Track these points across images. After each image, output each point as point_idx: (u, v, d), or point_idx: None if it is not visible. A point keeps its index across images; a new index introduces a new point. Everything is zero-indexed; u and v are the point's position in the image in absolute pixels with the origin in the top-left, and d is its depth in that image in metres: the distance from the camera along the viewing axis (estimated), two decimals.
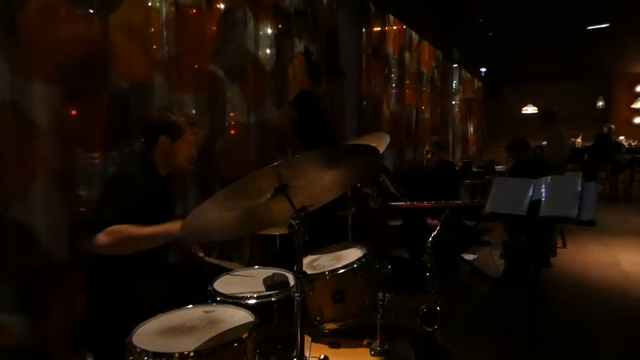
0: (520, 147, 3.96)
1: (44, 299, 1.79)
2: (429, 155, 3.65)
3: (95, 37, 1.97)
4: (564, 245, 4.40)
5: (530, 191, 2.31)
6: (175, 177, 2.31)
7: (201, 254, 1.84)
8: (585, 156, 7.68)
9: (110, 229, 1.44)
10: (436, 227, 2.12)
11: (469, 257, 3.85)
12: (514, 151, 4.03)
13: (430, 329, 1.80)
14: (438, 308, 1.83)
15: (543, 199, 2.22)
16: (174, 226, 1.46)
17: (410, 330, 1.88)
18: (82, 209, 1.96)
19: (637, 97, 10.64)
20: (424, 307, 1.84)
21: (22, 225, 1.71)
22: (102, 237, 1.43)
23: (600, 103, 10.80)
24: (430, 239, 2.02)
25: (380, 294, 1.65)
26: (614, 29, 6.42)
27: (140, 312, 1.29)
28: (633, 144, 9.13)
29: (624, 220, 5.83)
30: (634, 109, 10.70)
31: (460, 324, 2.21)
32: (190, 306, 1.37)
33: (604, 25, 6.24)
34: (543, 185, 2.30)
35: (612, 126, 8.39)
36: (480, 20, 5.94)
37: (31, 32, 1.70)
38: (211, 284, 1.61)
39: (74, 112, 1.93)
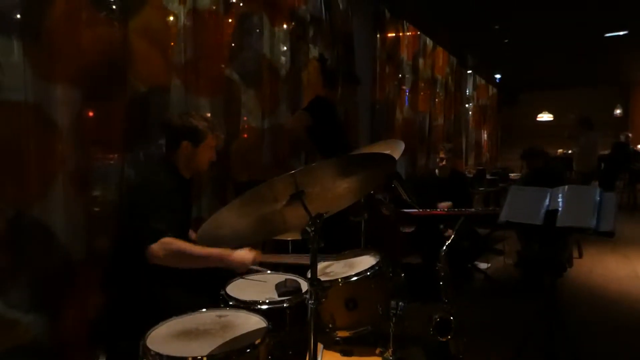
0: (535, 156, 3.90)
1: (61, 297, 1.82)
2: (443, 163, 3.60)
3: (115, 41, 2.00)
4: (580, 256, 4.31)
5: (547, 200, 2.27)
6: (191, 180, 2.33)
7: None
8: (602, 165, 7.54)
9: (164, 240, 1.47)
10: (451, 237, 2.09)
11: (482, 265, 3.79)
12: (529, 160, 3.97)
13: (444, 339, 1.78)
14: (452, 318, 1.80)
15: (560, 209, 2.18)
16: (227, 253, 1.54)
17: (424, 339, 1.86)
18: (99, 209, 1.99)
19: None
20: (437, 316, 1.82)
21: (42, 225, 1.74)
22: (156, 248, 1.47)
23: (618, 111, 10.59)
24: (444, 247, 2.00)
25: (393, 302, 1.63)
26: (632, 36, 6.30)
27: (155, 314, 1.30)
28: None
29: None
30: None
31: (474, 334, 2.17)
32: (204, 310, 1.37)
33: (622, 33, 6.14)
34: (560, 195, 2.26)
35: (630, 134, 8.22)
36: (496, 27, 5.89)
37: (54, 36, 1.74)
38: (224, 288, 1.61)
39: (93, 114, 1.96)
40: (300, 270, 1.71)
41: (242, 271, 1.65)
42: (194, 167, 1.75)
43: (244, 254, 1.61)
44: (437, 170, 3.70)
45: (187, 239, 1.72)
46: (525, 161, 4.07)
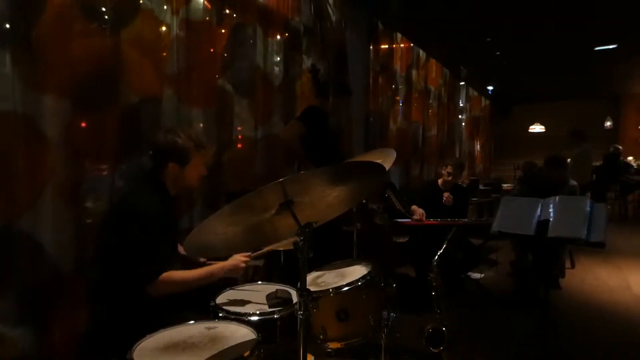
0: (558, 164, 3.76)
1: (49, 311, 1.78)
2: (450, 178, 3.60)
3: (107, 51, 2.01)
4: (573, 266, 4.32)
5: (539, 211, 2.29)
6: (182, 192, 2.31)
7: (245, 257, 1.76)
8: (594, 176, 7.62)
9: (161, 279, 1.49)
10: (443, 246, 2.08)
11: (475, 276, 3.79)
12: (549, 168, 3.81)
13: (436, 350, 1.76)
14: (444, 329, 1.79)
15: (551, 219, 2.20)
16: (216, 268, 1.59)
17: (416, 351, 1.84)
18: (90, 221, 1.97)
19: None
20: (429, 327, 1.80)
21: (30, 237, 1.72)
22: (154, 290, 1.50)
23: (608, 123, 10.74)
24: (436, 257, 1.99)
25: (385, 313, 1.62)
26: (622, 50, 6.43)
27: (143, 326, 1.28)
28: None
29: (633, 242, 5.72)
30: None
31: (467, 345, 2.16)
32: (192, 322, 1.35)
33: (612, 46, 6.26)
34: (551, 205, 2.27)
35: (620, 147, 8.32)
36: (488, 40, 5.98)
37: (44, 46, 1.74)
38: (214, 299, 1.59)
39: (84, 125, 1.95)
40: (291, 280, 1.70)
41: (240, 274, 1.66)
42: (184, 185, 1.71)
43: (233, 258, 1.62)
44: (440, 182, 3.70)
45: (176, 255, 1.73)
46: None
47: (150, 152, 1.76)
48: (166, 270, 1.52)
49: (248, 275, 2.10)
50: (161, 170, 1.67)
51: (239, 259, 1.62)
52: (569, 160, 5.63)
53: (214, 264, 1.77)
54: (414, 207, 3.33)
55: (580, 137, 5.68)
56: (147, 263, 1.49)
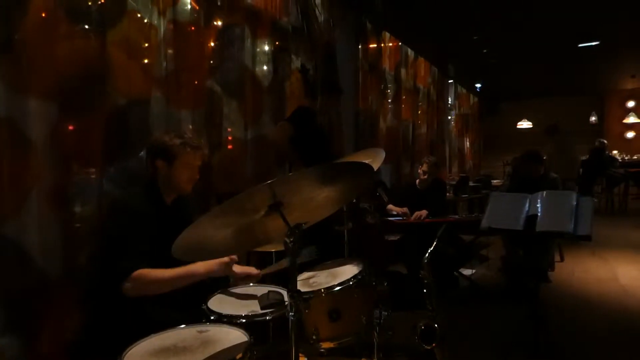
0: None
1: (37, 318, 1.76)
2: (425, 176, 3.62)
3: (92, 53, 1.98)
4: (562, 259, 4.39)
5: (527, 206, 2.32)
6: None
7: (256, 272, 1.77)
8: (580, 170, 7.74)
9: (134, 276, 1.45)
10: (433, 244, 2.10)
11: (467, 272, 3.82)
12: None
13: (429, 347, 1.77)
14: (436, 325, 1.80)
15: (539, 214, 2.23)
16: (196, 267, 1.52)
17: (409, 348, 1.85)
18: (78, 225, 1.94)
19: (629, 113, 10.80)
20: (421, 324, 1.81)
21: (15, 244, 1.69)
22: (128, 286, 1.45)
23: (593, 118, 10.94)
24: (426, 254, 2.00)
25: (377, 312, 1.62)
26: (604, 47, 6.55)
27: (133, 331, 1.27)
28: (626, 158, 9.22)
29: (620, 234, 5.83)
30: (625, 124, 10.85)
31: (459, 341, 2.18)
32: (183, 326, 1.34)
33: (594, 43, 6.37)
34: (539, 200, 2.31)
35: (605, 141, 8.47)
36: (475, 38, 6.04)
37: (28, 48, 1.71)
38: (205, 302, 1.58)
39: (70, 128, 1.93)
40: (283, 282, 1.70)
41: (226, 272, 1.62)
42: (174, 186, 1.68)
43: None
44: (417, 182, 3.73)
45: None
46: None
47: (145, 155, 1.74)
48: (141, 268, 1.46)
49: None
50: (153, 171, 1.66)
51: (223, 258, 1.58)
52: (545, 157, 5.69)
53: (267, 269, 1.75)
54: (390, 206, 3.36)
55: (554, 132, 5.74)
56: (118, 258, 1.46)
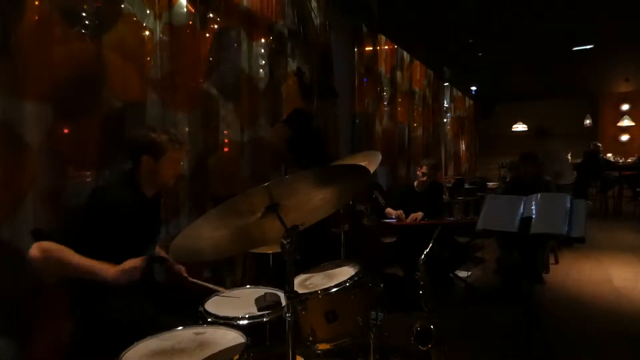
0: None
1: (32, 322, 1.75)
2: (424, 178, 3.63)
3: (88, 56, 1.98)
4: (557, 262, 4.42)
5: (521, 208, 2.34)
6: (168, 195, 2.29)
7: (185, 274, 1.79)
8: (575, 173, 7.79)
9: (43, 245, 1.39)
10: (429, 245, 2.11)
11: (462, 274, 3.84)
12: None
13: (425, 348, 1.78)
14: (432, 327, 1.81)
15: (534, 216, 2.25)
16: (108, 269, 1.42)
17: (405, 349, 1.86)
18: None
19: (623, 116, 10.90)
20: (417, 325, 1.82)
21: (10, 246, 1.68)
22: (34, 251, 1.39)
23: (587, 121, 11.03)
24: (422, 256, 2.01)
25: (373, 313, 1.63)
26: (598, 50, 6.61)
27: (128, 333, 1.27)
28: (620, 160, 9.30)
29: (614, 236, 5.87)
30: (620, 127, 10.95)
31: (455, 343, 2.19)
32: (181, 328, 1.34)
33: (588, 47, 6.44)
34: (533, 202, 2.33)
35: (599, 144, 8.52)
36: (470, 41, 6.09)
37: (24, 51, 1.71)
38: (202, 304, 1.58)
39: (66, 131, 1.92)
40: (281, 284, 1.70)
41: (136, 277, 1.45)
42: (158, 182, 1.68)
43: (130, 261, 1.46)
44: (415, 184, 3.74)
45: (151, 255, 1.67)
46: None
47: (127, 149, 1.73)
48: (54, 241, 1.40)
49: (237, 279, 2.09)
50: (136, 165, 1.65)
51: (134, 260, 1.46)
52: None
53: (195, 280, 1.75)
54: (388, 210, 3.36)
55: (543, 135, 5.77)
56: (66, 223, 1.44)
